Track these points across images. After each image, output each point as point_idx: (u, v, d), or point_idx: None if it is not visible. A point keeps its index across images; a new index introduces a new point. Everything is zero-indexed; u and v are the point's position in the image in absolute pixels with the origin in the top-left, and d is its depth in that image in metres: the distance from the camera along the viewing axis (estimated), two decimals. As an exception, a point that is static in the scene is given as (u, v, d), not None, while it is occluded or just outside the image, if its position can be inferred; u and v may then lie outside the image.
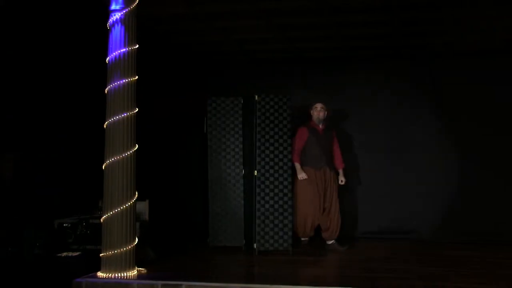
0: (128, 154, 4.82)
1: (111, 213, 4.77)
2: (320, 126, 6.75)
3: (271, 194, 6.30)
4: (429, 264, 5.66)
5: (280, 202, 6.29)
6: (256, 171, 6.35)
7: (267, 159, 6.36)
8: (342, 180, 6.76)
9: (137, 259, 4.95)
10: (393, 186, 7.23)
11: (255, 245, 6.27)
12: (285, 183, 6.31)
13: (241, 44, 7.00)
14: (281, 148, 6.38)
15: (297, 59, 7.55)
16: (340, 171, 6.79)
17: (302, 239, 6.77)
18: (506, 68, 7.04)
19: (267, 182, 6.31)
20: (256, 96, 6.47)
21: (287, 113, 6.43)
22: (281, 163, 6.35)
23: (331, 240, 6.62)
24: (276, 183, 6.31)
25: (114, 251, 4.75)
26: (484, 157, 7.02)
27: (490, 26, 6.11)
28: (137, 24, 4.96)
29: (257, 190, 6.31)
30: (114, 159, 4.79)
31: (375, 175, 7.32)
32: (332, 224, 6.61)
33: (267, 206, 6.29)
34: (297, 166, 6.64)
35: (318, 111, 6.71)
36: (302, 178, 6.59)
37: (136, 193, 4.92)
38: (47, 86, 6.17)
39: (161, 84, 7.61)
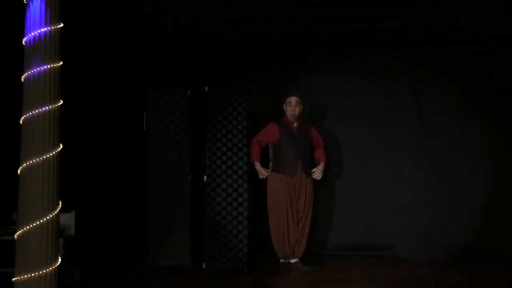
0: (50, 155, 4.70)
1: (27, 227, 4.63)
2: (295, 123, 6.76)
3: (223, 203, 6.30)
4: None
5: (234, 213, 6.30)
6: (205, 176, 6.35)
7: (218, 162, 6.35)
8: (315, 172, 6.78)
9: (61, 283, 4.81)
10: (368, 195, 7.33)
11: (204, 265, 6.26)
12: (240, 190, 6.32)
13: (191, 27, 6.94)
14: (235, 149, 6.38)
15: (258, 45, 7.57)
16: (321, 164, 6.84)
17: (281, 260, 6.75)
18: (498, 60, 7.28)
19: (218, 190, 6.31)
20: (206, 88, 6.46)
21: (242, 108, 6.45)
22: (235, 167, 6.35)
23: (295, 258, 6.65)
24: (230, 190, 6.32)
25: (31, 274, 4.60)
26: (478, 164, 7.19)
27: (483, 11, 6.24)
28: (68, 4, 4.87)
29: (207, 199, 6.31)
30: (32, 161, 4.67)
31: (348, 180, 7.43)
32: (301, 240, 6.68)
33: (218, 218, 6.29)
34: (256, 165, 6.69)
35: (293, 106, 6.73)
36: (264, 177, 6.68)
37: (60, 203, 4.81)
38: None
39: (92, 73, 7.45)
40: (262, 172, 6.71)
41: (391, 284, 5.88)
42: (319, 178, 6.83)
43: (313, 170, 6.80)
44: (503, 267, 6.62)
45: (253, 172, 6.74)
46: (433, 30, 7.02)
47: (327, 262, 6.98)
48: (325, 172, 6.99)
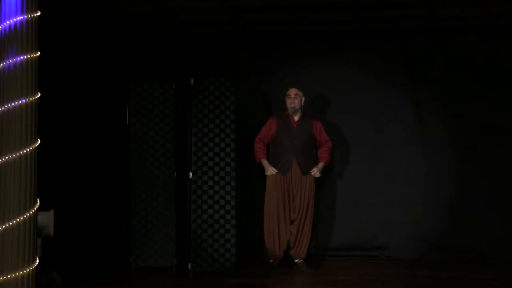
0: (27, 151, 4.69)
1: (3, 226, 4.61)
2: (295, 117, 6.75)
3: (210, 201, 6.29)
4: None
5: (222, 212, 6.29)
6: (191, 173, 6.34)
7: (205, 159, 6.34)
8: (313, 170, 6.68)
9: (39, 285, 4.81)
10: (362, 193, 7.32)
11: (189, 266, 6.25)
12: (228, 188, 6.31)
13: (176, 15, 6.91)
14: (222, 145, 6.36)
15: (248, 34, 7.52)
16: (320, 164, 6.73)
17: (271, 260, 6.77)
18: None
19: (205, 187, 6.30)
20: (192, 80, 6.44)
21: (230, 101, 6.43)
22: (222, 163, 6.34)
23: (299, 258, 6.68)
24: (217, 188, 6.31)
25: (7, 276, 4.59)
26: (476, 161, 7.20)
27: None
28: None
29: (193, 196, 6.30)
30: (8, 157, 4.65)
31: (339, 178, 7.42)
32: (301, 240, 6.66)
33: (204, 216, 6.28)
34: (263, 162, 6.72)
35: (292, 98, 6.68)
36: (270, 174, 6.65)
37: (38, 201, 4.80)
38: None
39: (73, 64, 7.42)
40: (268, 169, 6.67)
41: (386, 285, 5.91)
42: (316, 176, 6.71)
43: (312, 170, 6.70)
44: (499, 267, 6.67)
45: (240, 169, 6.76)
46: (431, 21, 7.00)
47: (320, 263, 6.97)
48: (327, 172, 6.98)
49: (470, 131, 7.24)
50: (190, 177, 6.34)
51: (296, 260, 6.68)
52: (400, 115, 7.36)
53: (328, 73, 7.47)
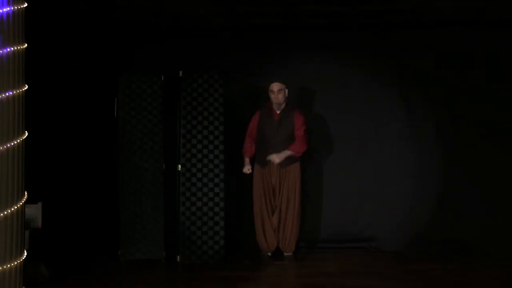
0: (14, 143, 4.63)
1: None
2: (277, 110, 6.73)
3: (199, 194, 6.30)
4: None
5: (210, 204, 6.30)
6: (179, 166, 6.35)
7: (193, 151, 6.34)
8: (272, 156, 6.56)
9: (26, 278, 4.78)
10: (351, 185, 7.32)
11: (178, 258, 6.26)
12: (216, 180, 6.32)
13: (164, 8, 6.86)
14: (211, 137, 6.36)
15: (238, 27, 7.47)
16: (283, 151, 6.60)
17: (262, 252, 6.79)
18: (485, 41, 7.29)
19: (193, 179, 6.31)
20: (181, 72, 6.45)
21: (219, 94, 6.43)
22: (211, 156, 6.34)
23: (287, 252, 6.73)
24: (205, 180, 6.31)
25: (-5, 269, 4.57)
26: (464, 157, 7.23)
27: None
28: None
29: (181, 189, 6.31)
30: None
31: (329, 171, 7.42)
32: (285, 232, 6.68)
33: (193, 209, 6.29)
34: (245, 159, 6.80)
35: (276, 93, 6.65)
36: (244, 172, 6.75)
37: (26, 193, 4.76)
38: None
39: (62, 58, 7.37)
40: (244, 166, 6.76)
41: (373, 277, 5.95)
42: (274, 162, 6.56)
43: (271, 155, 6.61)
44: (485, 260, 6.69)
45: (229, 161, 6.78)
46: (423, 14, 6.96)
47: (308, 255, 7.00)
48: (316, 164, 7.01)
49: (459, 129, 7.26)
50: (179, 169, 6.34)
51: (286, 254, 6.71)
52: (391, 111, 7.36)
53: (318, 68, 7.44)
